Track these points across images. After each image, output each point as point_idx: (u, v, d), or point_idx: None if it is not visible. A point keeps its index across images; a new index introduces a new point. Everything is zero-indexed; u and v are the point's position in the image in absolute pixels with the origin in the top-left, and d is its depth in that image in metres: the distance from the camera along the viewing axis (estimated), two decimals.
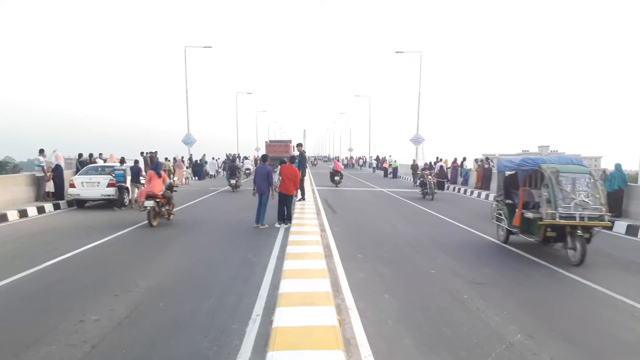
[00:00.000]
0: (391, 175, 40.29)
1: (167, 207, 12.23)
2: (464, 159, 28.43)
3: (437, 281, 7.18)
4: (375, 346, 4.60)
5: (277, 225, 11.72)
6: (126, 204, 15.81)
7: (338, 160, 43.51)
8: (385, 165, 43.91)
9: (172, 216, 12.48)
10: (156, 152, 26.85)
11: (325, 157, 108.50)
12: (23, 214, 13.58)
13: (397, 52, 36.70)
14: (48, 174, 15.91)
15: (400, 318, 5.51)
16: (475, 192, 23.01)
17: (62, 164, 16.63)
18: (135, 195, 15.70)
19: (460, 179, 27.62)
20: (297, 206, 13.95)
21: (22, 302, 5.89)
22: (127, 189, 15.94)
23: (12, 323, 5.18)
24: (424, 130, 38.49)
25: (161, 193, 11.76)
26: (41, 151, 16.07)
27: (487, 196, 21.25)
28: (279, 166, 12.34)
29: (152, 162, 22.12)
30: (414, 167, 31.56)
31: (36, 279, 6.97)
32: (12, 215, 13.08)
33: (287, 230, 10.60)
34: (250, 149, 72.02)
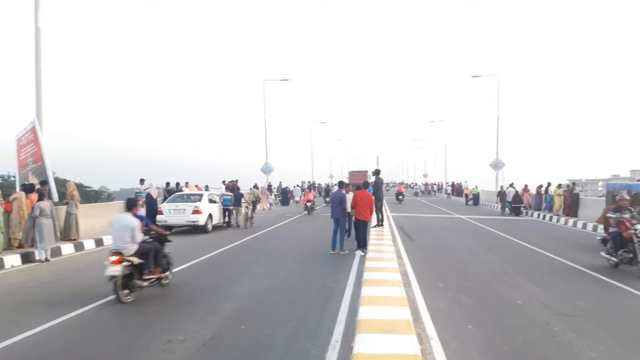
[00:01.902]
0: (472, 202, 37.68)
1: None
2: (549, 184, 26.95)
3: (524, 312, 6.79)
4: None
5: (356, 252, 11.60)
6: (232, 224, 18.44)
7: (402, 185, 59.71)
8: (467, 191, 41.45)
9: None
10: (237, 180, 27.87)
11: (400, 183, 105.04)
12: None
13: (473, 77, 36.05)
14: (140, 201, 17.08)
15: (485, 350, 5.26)
16: (562, 220, 21.67)
17: (154, 194, 17.82)
18: (237, 217, 18.83)
19: (544, 205, 26.17)
20: (373, 233, 13.84)
21: (116, 322, 6.27)
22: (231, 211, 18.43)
23: (108, 342, 5.52)
24: (503, 155, 36.82)
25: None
26: (142, 180, 17.63)
27: (575, 223, 19.95)
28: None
29: (233, 189, 23.13)
30: (501, 194, 27.87)
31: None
32: (108, 240, 14.07)
33: (363, 257, 10.54)
34: (325, 176, 72.90)
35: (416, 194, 57.94)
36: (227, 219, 18.39)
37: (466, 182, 52.37)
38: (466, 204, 38.66)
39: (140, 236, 7.54)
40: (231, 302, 7.11)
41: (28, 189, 12.21)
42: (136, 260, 7.27)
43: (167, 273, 8.19)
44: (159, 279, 7.86)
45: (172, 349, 5.13)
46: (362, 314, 5.27)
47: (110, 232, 7.59)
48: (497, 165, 35.68)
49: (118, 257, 7.03)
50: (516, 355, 5.12)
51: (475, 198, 37.27)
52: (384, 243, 11.70)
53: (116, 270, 6.92)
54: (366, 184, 12.90)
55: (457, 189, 52.42)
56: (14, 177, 15.66)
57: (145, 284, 7.47)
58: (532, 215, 25.48)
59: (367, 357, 3.94)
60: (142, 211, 8.75)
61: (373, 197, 12.93)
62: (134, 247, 7.36)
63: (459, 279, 8.95)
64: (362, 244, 11.72)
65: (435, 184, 68.69)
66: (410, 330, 4.70)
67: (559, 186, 24.66)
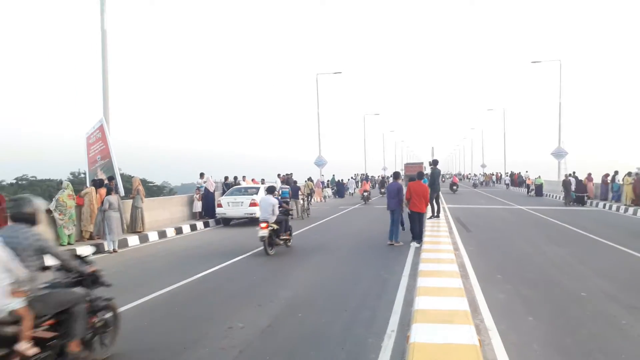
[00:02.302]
0: (533, 193, 35.72)
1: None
2: (616, 172, 25.49)
3: (589, 305, 6.52)
4: None
5: (411, 244, 11.50)
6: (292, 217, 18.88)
7: (456, 176, 56.46)
8: (529, 181, 39.26)
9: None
10: (291, 173, 28.26)
11: (458, 174, 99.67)
12: (179, 231, 15.20)
13: (533, 62, 34.57)
14: (197, 195, 17.72)
15: (547, 342, 5.11)
16: (631, 210, 20.50)
17: (211, 188, 18.37)
18: (297, 207, 19.84)
19: (610, 195, 24.82)
20: (429, 224, 13.66)
21: (179, 309, 6.57)
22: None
23: (172, 327, 5.80)
24: (566, 144, 35.06)
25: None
26: (201, 174, 18.33)
27: None
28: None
29: (288, 182, 23.58)
30: (566, 183, 25.86)
31: (190, 288, 7.73)
32: (170, 232, 14.71)
33: (418, 249, 10.44)
34: (378, 169, 72.35)
35: (475, 186, 54.07)
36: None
37: (526, 171, 50.46)
38: (527, 194, 36.88)
39: (277, 211, 10.75)
40: (287, 291, 7.27)
41: (98, 184, 12.93)
42: (275, 226, 10.62)
43: (290, 237, 11.44)
44: (286, 240, 11.18)
45: (232, 336, 5.33)
46: (418, 304, 5.25)
47: (260, 207, 10.94)
48: (559, 154, 34.15)
49: (266, 224, 10.30)
50: (580, 348, 4.94)
51: (538, 189, 35.26)
52: (441, 235, 11.53)
53: (264, 232, 10.21)
54: (420, 175, 12.73)
55: (515, 179, 50.65)
56: (84, 173, 16.61)
57: (281, 242, 10.93)
58: (596, 206, 24.23)
59: (424, 346, 3.94)
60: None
61: (428, 188, 12.75)
62: (273, 218, 10.60)
63: (518, 271, 8.71)
64: (418, 236, 11.59)
65: (493, 174, 66.46)
66: (468, 320, 4.64)
67: (629, 174, 23.30)
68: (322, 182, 35.23)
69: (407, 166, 55.31)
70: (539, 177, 36.48)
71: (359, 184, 43.13)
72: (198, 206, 17.76)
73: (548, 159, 35.05)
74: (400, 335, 5.15)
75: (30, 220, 4.06)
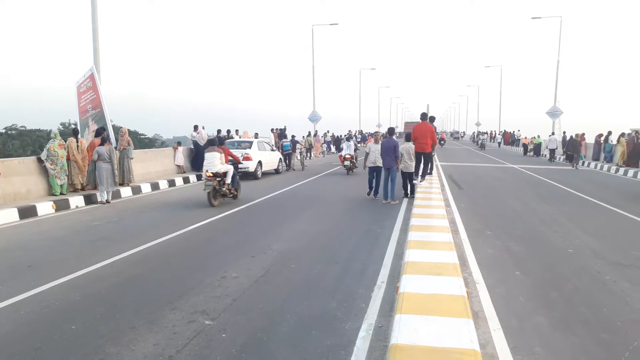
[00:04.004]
0: (532, 153, 34.45)
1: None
2: (609, 133, 25.56)
3: (575, 261, 6.68)
4: (505, 320, 4.47)
5: (404, 199, 11.64)
6: (287, 168, 21.00)
7: (453, 134, 62.81)
8: (525, 140, 37.82)
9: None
10: (285, 127, 28.10)
11: (457, 132, 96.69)
12: (171, 183, 15.20)
13: (533, 18, 33.91)
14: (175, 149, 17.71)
15: (532, 296, 5.26)
16: (621, 170, 20.70)
17: (201, 141, 18.22)
18: (294, 161, 21.96)
19: (603, 155, 24.98)
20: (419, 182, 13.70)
21: (173, 259, 6.65)
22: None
23: (166, 276, 5.88)
24: (562, 103, 34.86)
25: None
26: (195, 127, 18.25)
27: (635, 174, 19.02)
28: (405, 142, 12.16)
29: (283, 136, 23.84)
30: (573, 143, 24.51)
31: (184, 239, 7.81)
32: (163, 184, 14.71)
33: (409, 204, 10.54)
34: (372, 125, 72.01)
35: (482, 147, 44.99)
36: (287, 163, 21.23)
37: (518, 130, 50.51)
38: (525, 154, 35.78)
39: (222, 161, 11.21)
40: (280, 243, 7.37)
41: (96, 134, 12.74)
42: (222, 177, 11.09)
43: (238, 190, 11.78)
44: (234, 193, 11.48)
45: (226, 285, 5.43)
46: (408, 256, 5.34)
47: (205, 160, 11.15)
48: (554, 113, 34.13)
49: (211, 174, 10.88)
50: (565, 301, 5.09)
51: (537, 148, 34.28)
52: (433, 192, 11.62)
53: (209, 183, 10.74)
54: (424, 116, 12.54)
55: (507, 138, 50.69)
56: (75, 124, 16.42)
57: (228, 193, 11.23)
58: (588, 166, 24.43)
59: (413, 296, 4.03)
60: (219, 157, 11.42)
61: (433, 128, 12.68)
62: (218, 169, 11.02)
63: (508, 228, 8.85)
64: (425, 172, 12.82)
65: (486, 133, 66.29)
66: (457, 272, 4.74)
67: (622, 135, 23.37)
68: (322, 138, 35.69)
69: (407, 124, 55.62)
70: (538, 136, 35.28)
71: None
72: (179, 159, 17.63)
73: (542, 118, 34.97)
74: (390, 287, 5.28)
75: None
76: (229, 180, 11.12)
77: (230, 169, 11.28)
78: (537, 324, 4.48)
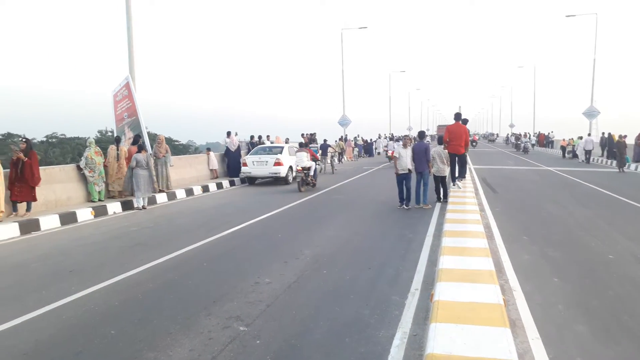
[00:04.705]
0: (570, 155, 31.79)
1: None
2: None
3: (617, 267, 6.45)
4: (543, 329, 4.35)
5: (437, 204, 11.48)
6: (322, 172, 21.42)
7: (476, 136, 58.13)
8: (563, 142, 34.70)
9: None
10: (315, 133, 28.20)
11: (491, 134, 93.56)
12: (205, 189, 15.46)
13: (567, 16, 33.08)
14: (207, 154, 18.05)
15: (572, 303, 5.11)
16: None
17: (232, 147, 18.51)
18: (325, 165, 22.84)
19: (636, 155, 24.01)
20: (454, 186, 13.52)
21: (208, 264, 6.75)
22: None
23: (201, 281, 5.98)
24: (599, 103, 33.84)
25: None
26: (228, 133, 18.55)
27: None
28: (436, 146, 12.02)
29: (313, 141, 24.15)
30: (620, 145, 22.77)
31: (218, 245, 7.92)
32: (197, 190, 14.97)
33: (442, 209, 10.41)
34: (403, 128, 71.43)
35: (526, 150, 39.54)
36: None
37: (552, 132, 49.25)
38: (563, 157, 33.15)
39: (308, 159, 15.11)
40: (312, 248, 7.38)
41: (133, 142, 13.11)
42: (307, 170, 14.77)
43: (316, 180, 15.36)
44: (314, 184, 15.19)
45: (260, 290, 5.47)
46: (443, 263, 5.28)
47: (296, 157, 15.25)
48: (591, 114, 33.12)
49: (300, 168, 14.51)
50: (607, 309, 4.92)
51: (585, 151, 29.93)
52: (466, 196, 11.45)
53: (299, 174, 14.46)
54: (458, 116, 12.43)
55: (542, 140, 49.41)
56: (111, 131, 16.90)
57: (310, 182, 14.90)
58: (636, 169, 23.58)
59: (448, 304, 3.98)
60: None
61: (467, 129, 12.54)
62: (305, 164, 14.78)
63: (545, 232, 8.63)
64: (460, 174, 12.70)
65: (520, 135, 64.71)
66: (493, 280, 4.66)
67: None
68: (353, 142, 35.86)
69: (440, 127, 55.15)
70: (580, 137, 32.06)
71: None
72: (213, 164, 17.91)
73: (577, 118, 33.97)
74: (424, 294, 5.21)
75: None
76: (312, 172, 15.05)
77: (313, 164, 15.20)
78: (578, 333, 4.35)
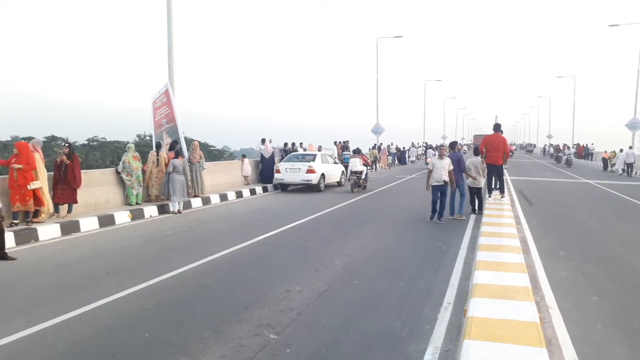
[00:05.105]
0: (618, 169, 29.15)
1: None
2: None
3: None
4: (581, 350, 4.21)
5: (472, 215, 11.27)
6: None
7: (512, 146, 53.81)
8: (605, 155, 32.97)
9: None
10: (347, 141, 28.20)
11: (530, 144, 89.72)
12: (239, 194, 15.66)
13: (610, 26, 32.14)
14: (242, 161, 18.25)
15: (611, 323, 4.93)
16: None
17: (266, 154, 18.72)
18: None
19: None
20: (490, 197, 13.27)
21: (240, 270, 6.83)
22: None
23: (233, 287, 6.05)
24: None
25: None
26: (263, 140, 18.78)
27: None
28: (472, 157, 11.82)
29: (346, 149, 24.20)
30: None
31: (251, 250, 8.00)
32: (231, 196, 15.19)
33: (477, 221, 10.23)
34: (437, 137, 70.61)
35: (568, 163, 36.00)
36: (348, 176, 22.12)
37: (592, 143, 47.76)
38: (605, 170, 31.82)
39: (360, 164, 17.29)
40: (342, 258, 7.37)
41: (170, 147, 13.45)
42: (359, 174, 17.00)
43: (367, 182, 17.68)
44: (365, 186, 17.38)
45: (291, 298, 5.49)
46: (477, 278, 5.18)
47: (350, 162, 17.56)
48: (634, 126, 32.00)
49: (354, 172, 16.96)
50: None
51: (625, 164, 28.67)
52: (503, 208, 11.21)
53: (352, 177, 16.91)
54: (497, 127, 12.21)
55: (580, 152, 47.98)
56: (150, 136, 17.32)
57: (362, 185, 17.13)
58: None
59: (481, 320, 3.90)
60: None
61: (505, 139, 12.32)
62: (358, 168, 17.12)
63: (583, 248, 8.37)
64: (501, 189, 12.51)
65: (558, 146, 62.92)
66: (529, 297, 4.54)
67: None
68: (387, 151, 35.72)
69: (477, 137, 54.41)
70: (621, 150, 30.10)
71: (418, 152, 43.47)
72: (247, 170, 18.12)
73: (619, 130, 32.85)
74: (457, 309, 5.13)
75: None
76: (363, 175, 17.15)
77: (364, 169, 17.35)
78: (617, 355, 4.19)
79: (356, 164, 17.16)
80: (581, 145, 49.77)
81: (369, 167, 16.89)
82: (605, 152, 33.41)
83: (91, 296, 5.56)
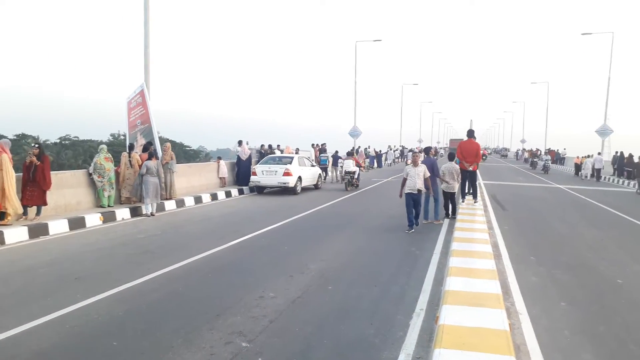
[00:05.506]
0: (588, 176, 29.40)
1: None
2: None
3: (626, 292, 6.37)
4: (549, 356, 4.29)
5: (446, 219, 11.40)
6: (324, 181, 22.17)
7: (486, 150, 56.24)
8: (577, 160, 32.83)
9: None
10: (325, 143, 28.21)
11: (504, 149, 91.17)
12: (214, 197, 15.50)
13: (583, 34, 32.93)
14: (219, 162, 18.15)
15: (579, 329, 5.04)
16: None
17: (243, 156, 18.55)
18: (336, 174, 23.46)
19: None
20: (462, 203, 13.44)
21: (213, 275, 6.75)
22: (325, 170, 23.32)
23: (206, 292, 5.97)
24: (612, 121, 33.63)
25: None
26: (239, 142, 18.65)
27: None
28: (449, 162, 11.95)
29: (322, 151, 24.27)
30: (639, 167, 22.14)
31: (224, 255, 7.92)
32: (206, 198, 15.02)
33: (451, 226, 10.34)
34: (414, 140, 71.29)
35: (545, 169, 34.22)
36: (324, 176, 22.53)
37: (564, 149, 48.95)
38: (577, 176, 31.46)
39: (353, 164, 19.14)
40: (317, 263, 7.36)
41: (143, 149, 13.20)
42: (352, 174, 18.80)
43: (359, 181, 19.61)
44: (357, 184, 19.34)
45: (264, 305, 5.45)
46: (449, 284, 5.24)
47: (344, 163, 19.54)
48: (604, 132, 32.87)
49: (347, 172, 18.78)
50: (614, 337, 4.85)
51: (594, 170, 29.43)
52: (476, 213, 11.37)
53: (346, 176, 18.72)
54: (471, 132, 12.54)
55: (552, 157, 49.04)
56: (124, 135, 17.04)
57: (355, 184, 19.10)
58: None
59: (453, 328, 3.94)
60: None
61: (479, 145, 12.66)
62: (351, 169, 18.79)
63: (553, 253, 8.54)
64: (474, 195, 12.83)
65: (533, 150, 64.11)
66: (500, 304, 4.61)
67: None
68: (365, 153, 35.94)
69: (453, 141, 54.95)
70: (589, 155, 31.06)
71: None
72: (223, 172, 17.98)
73: (589, 136, 33.69)
74: (429, 315, 5.17)
75: None
76: (356, 175, 19.19)
77: (357, 169, 19.42)
78: None
79: (350, 165, 19.11)
80: (553, 150, 50.86)
81: (281, 181, 16.75)
82: (578, 157, 34.00)
83: (59, 302, 5.42)
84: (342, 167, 23.42)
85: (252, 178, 17.26)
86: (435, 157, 12.67)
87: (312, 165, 19.63)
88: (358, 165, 20.22)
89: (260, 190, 17.67)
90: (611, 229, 11.46)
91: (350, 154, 20.63)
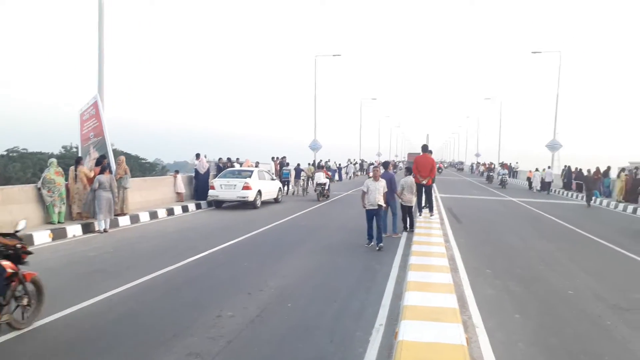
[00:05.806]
0: (538, 188, 30.40)
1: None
2: (608, 168, 25.63)
3: (575, 303, 6.60)
4: None
5: (404, 233, 11.54)
6: (286, 194, 22.61)
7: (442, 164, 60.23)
8: (530, 174, 33.19)
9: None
10: (284, 157, 28.18)
11: (460, 163, 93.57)
12: (170, 212, 15.14)
13: (533, 52, 34.39)
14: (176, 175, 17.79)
15: (532, 341, 5.17)
16: (621, 206, 20.68)
17: (201, 170, 18.24)
18: (299, 188, 23.87)
19: (602, 190, 24.90)
20: (420, 216, 13.67)
21: (169, 294, 6.56)
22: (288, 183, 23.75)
23: (161, 313, 5.79)
24: (561, 136, 35.23)
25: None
26: (197, 155, 18.23)
27: (635, 210, 19.00)
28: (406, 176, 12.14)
29: (282, 165, 24.22)
30: (589, 180, 22.60)
31: (181, 273, 7.72)
32: (162, 213, 14.65)
33: (409, 239, 10.47)
34: (373, 154, 72.25)
35: (503, 184, 33.95)
36: (286, 190, 23.07)
37: (517, 162, 50.74)
38: (530, 188, 32.23)
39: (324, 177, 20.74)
40: (277, 280, 7.28)
41: (96, 162, 12.76)
42: (323, 185, 20.44)
43: (329, 192, 21.17)
44: (328, 195, 20.86)
45: (222, 324, 5.33)
46: (408, 299, 5.28)
47: (315, 176, 21.25)
48: (553, 146, 34.26)
49: (318, 183, 20.60)
50: (565, 348, 5.00)
51: (545, 183, 30.53)
52: (432, 226, 11.57)
53: (318, 188, 20.68)
54: (425, 147, 12.95)
55: (507, 170, 50.70)
56: (76, 147, 16.44)
57: (325, 194, 20.65)
58: (600, 203, 24.32)
59: (412, 344, 3.96)
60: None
61: (434, 160, 13.01)
62: (322, 181, 20.41)
63: (508, 266, 8.77)
64: (430, 208, 13.25)
65: (488, 164, 66.12)
66: (457, 318, 4.67)
67: (622, 170, 23.40)
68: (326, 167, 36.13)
69: (411, 155, 56.03)
70: (537, 169, 31.99)
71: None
72: (180, 187, 17.62)
73: (540, 150, 35.03)
74: (388, 330, 5.18)
75: None
76: (327, 187, 20.86)
77: (327, 181, 21.03)
78: None
79: (321, 177, 20.85)
80: (506, 163, 52.60)
81: (240, 195, 16.63)
82: (530, 171, 34.73)
83: (4, 328, 5.12)
84: (304, 180, 23.74)
85: (211, 192, 16.97)
86: (394, 171, 12.92)
87: (272, 179, 19.53)
88: (328, 177, 21.84)
89: (218, 204, 17.40)
90: (562, 241, 11.88)
91: (320, 167, 23.17)
